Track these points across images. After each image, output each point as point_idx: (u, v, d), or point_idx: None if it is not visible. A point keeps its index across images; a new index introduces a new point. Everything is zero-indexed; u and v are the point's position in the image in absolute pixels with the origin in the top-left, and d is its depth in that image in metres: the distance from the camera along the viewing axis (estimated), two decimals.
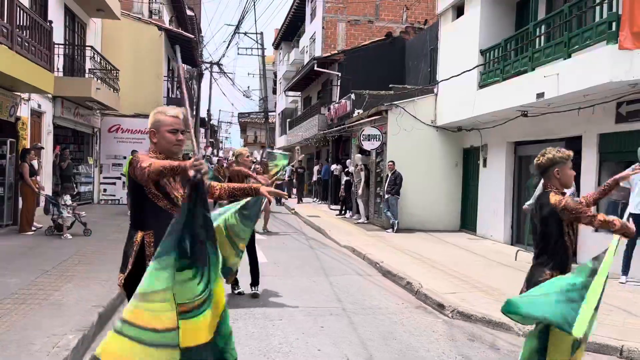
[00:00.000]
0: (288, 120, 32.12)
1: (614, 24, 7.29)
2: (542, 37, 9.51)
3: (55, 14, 12.75)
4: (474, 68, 11.12)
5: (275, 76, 43.01)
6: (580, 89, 7.85)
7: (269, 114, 42.09)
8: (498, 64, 10.55)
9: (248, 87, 48.52)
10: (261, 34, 38.28)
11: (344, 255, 9.95)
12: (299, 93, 31.21)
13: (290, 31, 35.18)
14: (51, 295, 5.72)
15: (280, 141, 36.57)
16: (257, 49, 35.94)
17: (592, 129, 8.73)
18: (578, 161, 9.12)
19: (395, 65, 20.25)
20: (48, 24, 10.73)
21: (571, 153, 3.45)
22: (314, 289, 7.08)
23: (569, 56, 8.28)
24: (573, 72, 8.01)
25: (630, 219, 3.61)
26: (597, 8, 7.89)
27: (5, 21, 8.57)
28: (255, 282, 6.50)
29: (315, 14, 29.09)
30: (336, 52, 22.23)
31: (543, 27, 9.60)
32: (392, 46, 20.96)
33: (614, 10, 7.38)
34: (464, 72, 11.20)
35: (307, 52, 31.04)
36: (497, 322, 5.54)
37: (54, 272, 6.82)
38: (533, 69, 9.23)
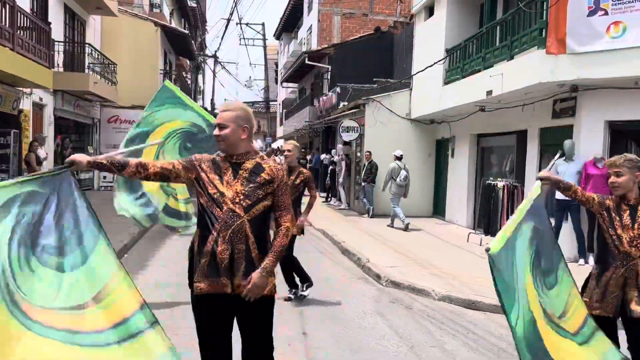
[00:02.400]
0: (284, 110, 33.03)
1: (544, 31, 8.17)
2: (496, 39, 10.38)
3: (55, 13, 13.77)
4: (429, 66, 12.03)
5: (277, 66, 43.80)
6: (519, 87, 8.76)
7: (272, 103, 43.09)
8: (459, 62, 11.46)
9: (250, 77, 49.06)
10: (262, 24, 39.06)
11: (315, 237, 10.96)
12: (296, 85, 32.09)
13: (291, 22, 35.91)
14: None
15: (280, 131, 37.52)
16: (259, 39, 36.89)
17: (534, 123, 9.64)
18: (524, 152, 10.06)
19: (384, 59, 21.05)
20: (47, 25, 11.73)
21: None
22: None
23: (512, 58, 9.17)
24: (513, 73, 8.91)
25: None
26: (532, 15, 8.76)
27: (7, 25, 9.57)
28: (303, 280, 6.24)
29: (312, 7, 29.89)
30: (326, 46, 23.05)
31: (498, 29, 10.47)
32: (381, 40, 21.75)
33: (544, 18, 8.26)
34: (422, 70, 12.14)
35: (304, 43, 31.88)
36: (419, 289, 6.53)
37: None
38: (485, 68, 10.13)
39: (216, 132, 2.81)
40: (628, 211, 3.22)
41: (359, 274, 7.61)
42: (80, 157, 2.74)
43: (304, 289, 6.17)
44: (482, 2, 11.79)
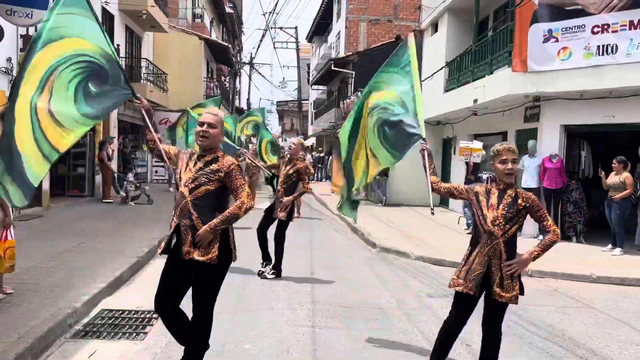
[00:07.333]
0: (314, 111, 35.29)
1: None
2: (484, 55, 12.41)
3: (119, 33, 16.45)
4: (428, 77, 14.09)
5: (309, 67, 46.02)
6: (496, 97, 10.81)
7: (304, 102, 45.46)
8: (455, 74, 13.53)
9: (283, 78, 51.49)
10: (295, 28, 41.40)
11: (332, 220, 13.23)
12: (325, 87, 34.32)
13: (322, 26, 38.07)
14: (127, 233, 9.28)
15: (311, 129, 39.86)
16: (292, 42, 39.26)
17: (512, 126, 11.66)
18: None
19: None
20: (116, 46, 14.35)
21: (500, 148, 3.49)
22: (296, 237, 10.37)
23: (492, 73, 11.22)
24: (492, 85, 10.96)
25: None
26: (505, 39, 10.78)
27: None
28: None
29: (340, 14, 32.07)
30: (350, 53, 25.22)
31: (488, 45, 12.49)
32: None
33: (513, 42, 10.28)
34: (423, 80, 14.16)
35: (333, 48, 34.09)
36: (402, 252, 8.74)
37: (127, 221, 10.44)
38: (474, 80, 12.17)
39: (204, 128, 3.34)
40: (497, 194, 3.49)
41: (360, 244, 9.86)
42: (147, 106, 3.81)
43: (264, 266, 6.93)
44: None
